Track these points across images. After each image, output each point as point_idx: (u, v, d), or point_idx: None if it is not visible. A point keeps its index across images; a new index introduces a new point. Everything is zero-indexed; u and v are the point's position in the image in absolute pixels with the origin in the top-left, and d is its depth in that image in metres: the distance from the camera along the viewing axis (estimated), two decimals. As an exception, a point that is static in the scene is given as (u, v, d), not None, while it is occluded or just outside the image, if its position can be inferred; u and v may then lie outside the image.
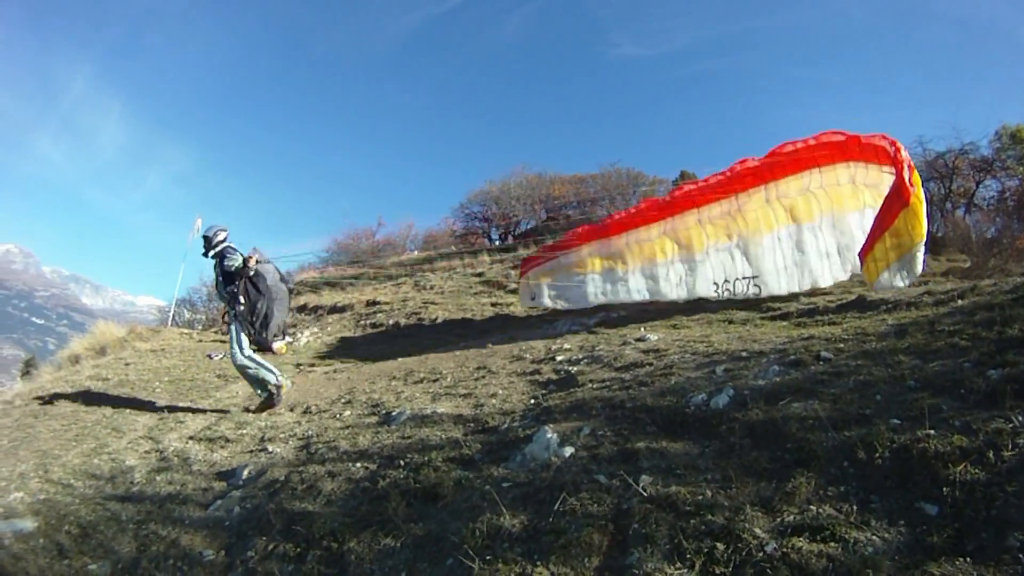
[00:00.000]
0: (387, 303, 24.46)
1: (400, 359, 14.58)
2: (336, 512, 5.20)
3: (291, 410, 10.05)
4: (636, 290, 14.44)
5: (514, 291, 22.33)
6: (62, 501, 6.84)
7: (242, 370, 9.89)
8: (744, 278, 13.66)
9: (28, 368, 27.27)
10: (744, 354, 7.78)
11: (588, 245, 14.97)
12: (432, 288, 26.63)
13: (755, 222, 13.37)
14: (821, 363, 6.27)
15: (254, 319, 9.48)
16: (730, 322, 13.02)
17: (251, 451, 7.93)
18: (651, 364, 8.41)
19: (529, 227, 40.20)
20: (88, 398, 11.95)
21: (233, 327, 9.70)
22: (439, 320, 20.92)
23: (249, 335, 9.60)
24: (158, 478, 7.27)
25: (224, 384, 13.29)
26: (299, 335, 21.25)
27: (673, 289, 14.18)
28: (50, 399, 11.99)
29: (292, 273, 9.31)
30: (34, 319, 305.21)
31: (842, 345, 7.06)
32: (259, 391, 10.05)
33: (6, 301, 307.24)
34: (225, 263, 9.57)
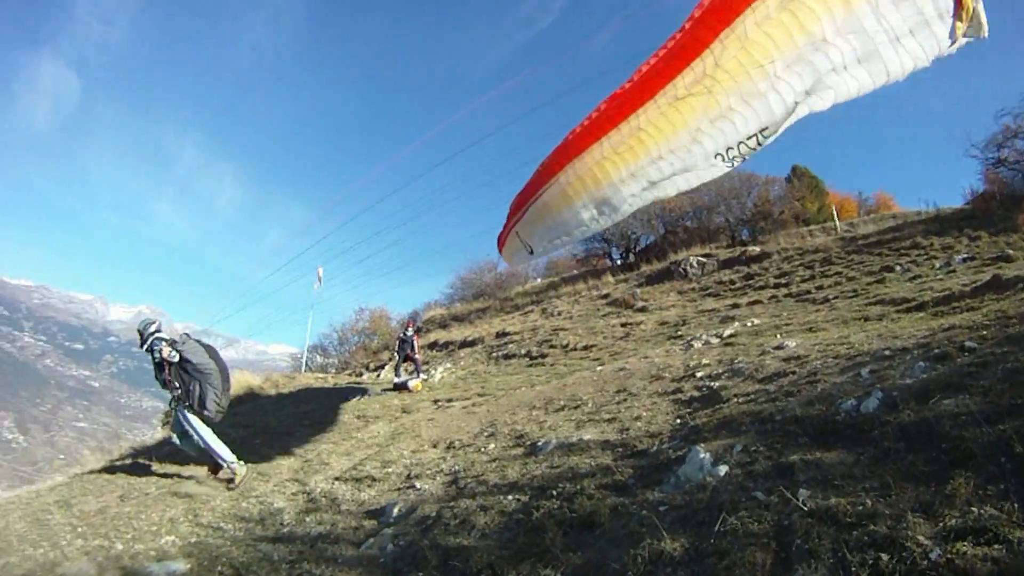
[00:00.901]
0: (516, 333, 24.56)
1: (538, 388, 14.53)
2: (492, 545, 5.20)
3: (434, 446, 10.15)
4: (631, 197, 12.65)
5: (643, 309, 22.00)
6: (213, 543, 7.11)
7: (185, 449, 10.12)
8: (751, 136, 11.18)
9: (168, 418, 28.75)
10: (887, 352, 7.62)
11: (562, 172, 13.33)
12: (560, 314, 26.60)
13: (739, 71, 9.79)
14: (966, 354, 6.12)
15: (190, 401, 9.71)
16: (866, 319, 12.72)
17: (398, 489, 8.03)
18: (794, 372, 8.28)
19: (649, 242, 39.96)
20: (231, 445, 12.48)
21: (175, 413, 10.08)
22: (571, 346, 20.79)
23: (197, 415, 9.76)
24: (308, 519, 7.45)
25: (364, 425, 13.60)
26: (433, 371, 21.57)
27: (674, 183, 12.34)
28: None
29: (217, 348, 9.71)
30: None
31: (985, 332, 6.94)
32: (230, 458, 9.86)
33: (143, 358, 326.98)
34: (153, 355, 10.01)
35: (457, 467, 8.31)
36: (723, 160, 10.14)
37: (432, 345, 27.15)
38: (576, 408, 10.54)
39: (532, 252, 13.26)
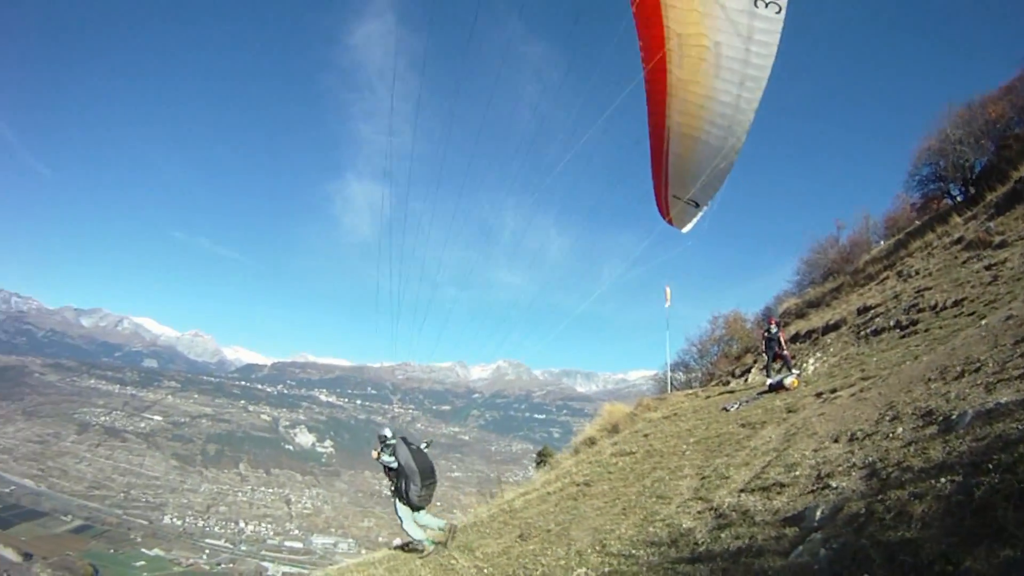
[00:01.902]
0: (878, 304, 22.97)
1: (923, 358, 13.41)
2: (938, 533, 4.77)
3: (835, 441, 9.64)
4: (735, 97, 11.69)
5: (1003, 244, 19.68)
6: (628, 571, 7.25)
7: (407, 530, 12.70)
8: None
9: (542, 458, 30.18)
10: None
11: (669, 121, 12.92)
12: (917, 273, 24.41)
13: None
14: None
15: (400, 494, 12.38)
16: None
17: (811, 491, 7.68)
18: None
19: (984, 165, 35.29)
20: (620, 473, 12.81)
21: (393, 500, 12.70)
22: (939, 305, 18.98)
23: (406, 504, 12.39)
24: (722, 535, 7.34)
25: (753, 432, 13.28)
26: (804, 364, 20.79)
27: (750, 57, 11.05)
28: (584, 481, 13.09)
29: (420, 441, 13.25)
30: (536, 415, 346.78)
31: None
32: (420, 538, 12.61)
33: (508, 406, 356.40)
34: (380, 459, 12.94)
35: (870, 458, 7.81)
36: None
37: (794, 338, 26.17)
38: (977, 371, 9.54)
39: (697, 205, 13.21)
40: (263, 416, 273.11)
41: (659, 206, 15.12)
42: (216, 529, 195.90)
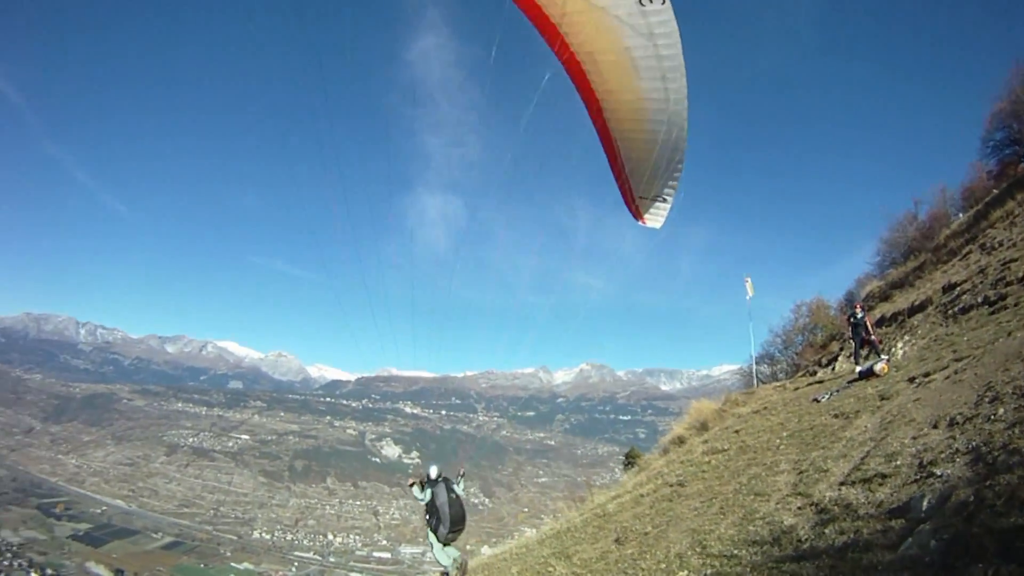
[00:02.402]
0: (963, 281, 22.26)
1: (1019, 334, 13.05)
2: (1054, 518, 4.71)
3: (935, 427, 9.48)
4: (659, 78, 12.25)
5: None
6: (730, 572, 7.26)
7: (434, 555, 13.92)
8: None
9: (630, 460, 29.99)
10: None
11: (612, 125, 13.91)
12: (1000, 244, 23.52)
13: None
14: None
15: (432, 526, 13.60)
16: None
17: (915, 480, 7.59)
18: None
19: None
20: (714, 471, 12.75)
21: (427, 529, 13.82)
22: None
23: (436, 535, 13.58)
24: (826, 531, 7.29)
25: (847, 422, 13.05)
26: (893, 349, 20.37)
27: (655, 36, 11.57)
28: (677, 481, 13.06)
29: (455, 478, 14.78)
30: (620, 417, 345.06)
31: None
32: (447, 564, 13.61)
33: (592, 409, 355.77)
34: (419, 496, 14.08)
35: (973, 442, 7.67)
36: None
37: (880, 321, 25.53)
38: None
39: (664, 200, 14.43)
40: (349, 430, 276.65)
41: (630, 210, 15.77)
42: (305, 542, 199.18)
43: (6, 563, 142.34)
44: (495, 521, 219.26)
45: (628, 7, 11.01)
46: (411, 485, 14.21)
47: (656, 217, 15.40)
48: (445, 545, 13.58)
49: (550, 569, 10.75)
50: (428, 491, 13.73)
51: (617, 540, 11.19)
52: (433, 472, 14.15)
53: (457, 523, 13.53)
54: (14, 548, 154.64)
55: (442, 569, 13.77)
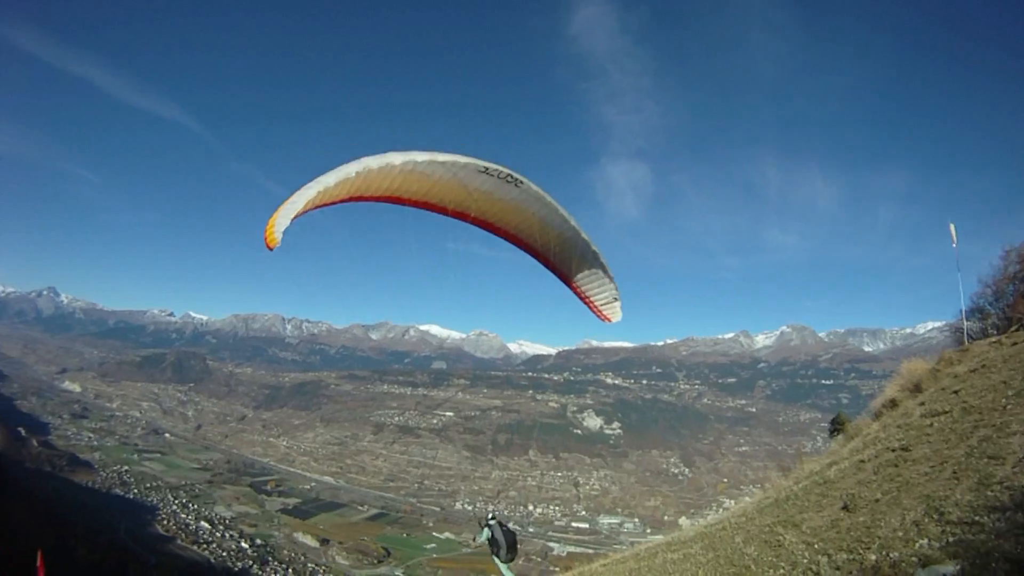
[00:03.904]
0: None
1: None
2: None
3: None
4: None
5: None
6: (976, 539, 6.98)
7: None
8: None
9: (836, 426, 28.85)
10: None
11: (545, 260, 16.78)
12: None
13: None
14: None
15: (496, 554, 16.37)
16: None
17: None
18: None
19: None
20: (939, 434, 12.20)
21: (494, 558, 16.55)
22: None
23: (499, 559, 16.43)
24: (1074, 495, 6.94)
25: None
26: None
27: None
28: (900, 446, 12.57)
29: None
30: (823, 381, 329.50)
31: None
32: None
33: (794, 374, 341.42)
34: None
35: None
36: None
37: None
38: None
39: (613, 292, 16.66)
40: (551, 403, 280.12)
41: (598, 315, 17.75)
42: (505, 512, 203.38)
43: (219, 534, 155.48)
44: (694, 491, 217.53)
45: (489, 183, 14.82)
46: (474, 539, 16.90)
47: (616, 309, 17.40)
48: (506, 563, 16.53)
49: (779, 538, 10.61)
50: (486, 530, 16.69)
51: (845, 507, 10.92)
52: (490, 515, 17.07)
53: (511, 548, 16.62)
54: (227, 521, 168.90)
55: None
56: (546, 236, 15.76)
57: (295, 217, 12.22)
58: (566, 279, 17.15)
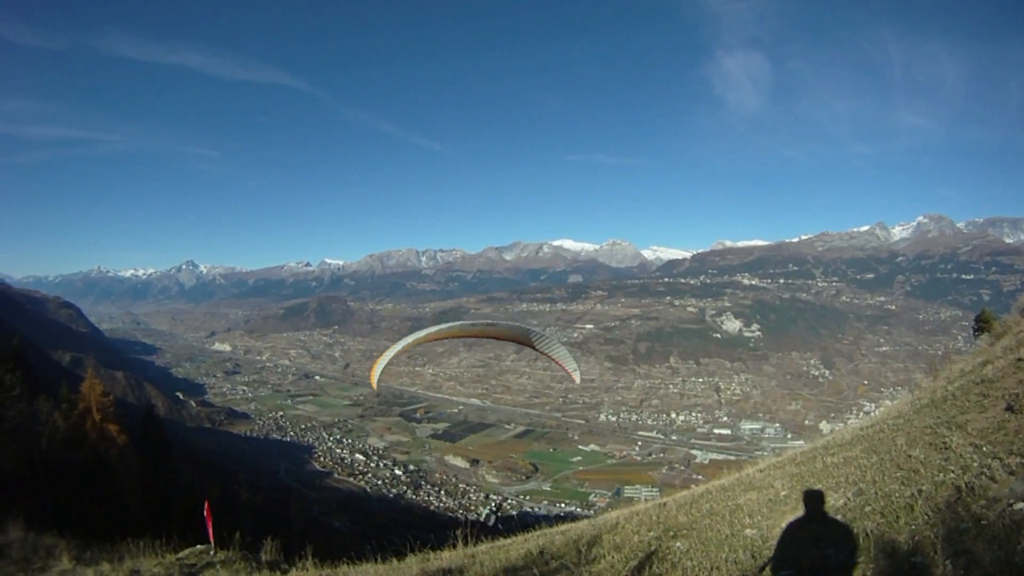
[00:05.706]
0: None
1: None
2: None
3: None
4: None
5: None
6: None
7: None
8: None
9: (981, 323, 27.19)
10: None
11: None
12: None
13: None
14: None
15: None
16: None
17: None
18: None
19: None
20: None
21: None
22: None
23: None
24: None
25: None
26: None
27: None
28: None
29: None
30: (963, 276, 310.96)
31: None
32: None
33: (933, 268, 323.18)
34: None
35: None
36: None
37: None
38: None
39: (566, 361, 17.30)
40: (689, 308, 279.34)
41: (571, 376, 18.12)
42: (648, 422, 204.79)
43: (373, 464, 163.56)
44: (835, 394, 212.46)
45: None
46: None
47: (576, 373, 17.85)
48: None
49: (944, 440, 10.24)
50: None
51: (1009, 408, 10.43)
52: None
53: None
54: (380, 451, 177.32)
55: None
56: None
57: (385, 365, 15.73)
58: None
